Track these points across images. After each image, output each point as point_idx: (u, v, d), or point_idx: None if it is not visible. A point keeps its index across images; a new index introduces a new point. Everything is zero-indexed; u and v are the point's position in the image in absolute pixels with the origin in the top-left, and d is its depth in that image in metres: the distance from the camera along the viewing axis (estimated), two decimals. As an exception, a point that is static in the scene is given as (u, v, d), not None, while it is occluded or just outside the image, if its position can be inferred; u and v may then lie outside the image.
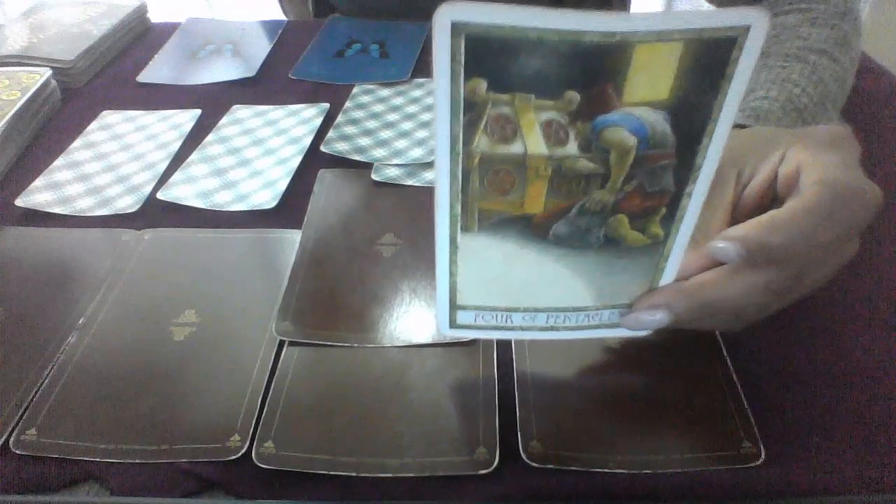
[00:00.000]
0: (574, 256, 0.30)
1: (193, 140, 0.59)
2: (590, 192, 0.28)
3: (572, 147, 0.26)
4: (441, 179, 0.27)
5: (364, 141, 0.58)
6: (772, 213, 0.30)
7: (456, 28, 0.22)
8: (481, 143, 0.26)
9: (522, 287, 0.32)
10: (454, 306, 0.33)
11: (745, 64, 0.24)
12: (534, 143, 0.26)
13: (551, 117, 0.25)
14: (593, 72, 0.24)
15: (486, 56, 0.23)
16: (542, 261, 0.30)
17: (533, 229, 0.29)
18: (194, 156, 0.57)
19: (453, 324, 0.34)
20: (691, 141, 0.27)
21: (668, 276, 0.32)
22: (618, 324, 0.34)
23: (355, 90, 0.67)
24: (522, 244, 0.30)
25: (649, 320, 0.32)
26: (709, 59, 0.24)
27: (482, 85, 0.24)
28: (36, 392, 0.37)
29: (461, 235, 0.29)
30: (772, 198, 0.34)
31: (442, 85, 0.24)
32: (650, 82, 0.25)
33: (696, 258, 0.32)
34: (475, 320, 0.33)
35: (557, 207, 0.29)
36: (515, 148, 0.26)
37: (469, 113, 0.25)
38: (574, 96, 0.25)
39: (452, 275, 0.31)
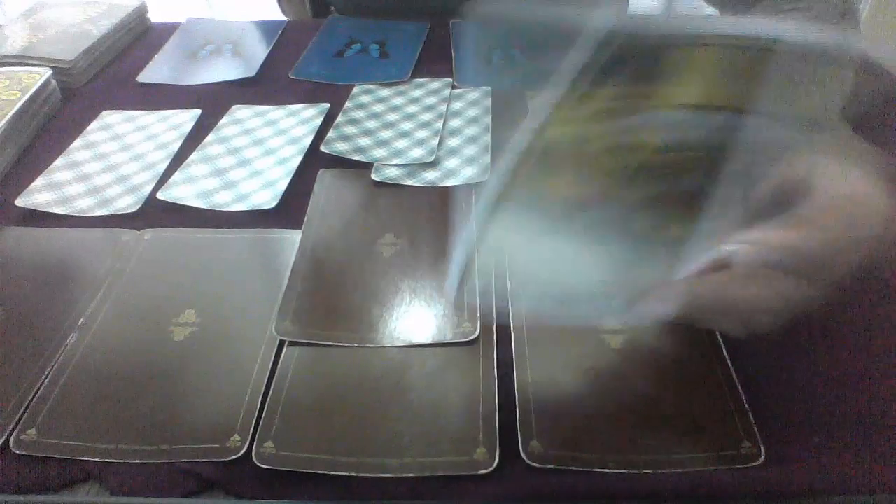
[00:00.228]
0: (595, 246, 0.32)
1: (193, 140, 0.59)
2: (619, 186, 0.29)
3: (609, 139, 0.28)
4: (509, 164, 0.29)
5: (364, 141, 0.58)
6: (783, 217, 0.30)
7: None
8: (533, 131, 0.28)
9: (537, 269, 0.33)
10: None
11: (776, 73, 0.25)
12: (572, 132, 0.28)
13: (593, 109, 0.27)
14: (632, 71, 0.25)
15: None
16: (563, 248, 0.32)
17: (560, 216, 0.30)
18: (194, 156, 0.57)
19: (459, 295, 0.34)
20: (720, 144, 0.27)
21: (683, 272, 0.33)
22: (625, 312, 0.34)
23: (355, 90, 0.67)
24: (545, 230, 0.31)
25: (656, 312, 0.32)
26: (743, 66, 0.25)
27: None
28: (36, 392, 0.37)
29: (494, 207, 0.31)
30: (782, 202, 0.34)
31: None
32: (685, 85, 0.26)
33: (707, 259, 0.32)
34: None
35: (585, 198, 0.30)
36: (555, 134, 0.28)
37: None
38: (613, 93, 0.26)
39: (471, 243, 0.33)
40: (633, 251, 0.32)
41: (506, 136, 0.58)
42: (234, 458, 0.34)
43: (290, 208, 0.51)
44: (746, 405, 0.36)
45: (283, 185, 0.53)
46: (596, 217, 0.30)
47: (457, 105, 0.64)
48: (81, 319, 0.42)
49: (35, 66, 0.67)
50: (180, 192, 0.52)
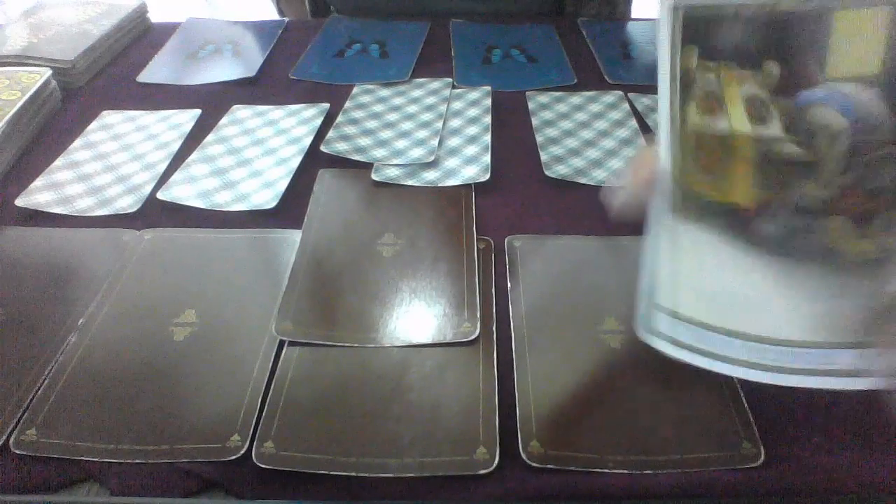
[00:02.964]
0: (785, 267, 0.27)
1: (193, 140, 0.59)
2: (800, 181, 0.25)
3: (776, 127, 0.25)
4: (664, 153, 0.27)
5: (364, 141, 0.58)
6: None
7: (676, 9, 0.25)
8: (692, 115, 0.26)
9: (724, 297, 0.28)
10: (652, 303, 0.30)
11: None
12: (737, 118, 0.26)
13: (754, 92, 0.25)
14: (792, 42, 0.24)
15: (696, 29, 0.25)
16: (749, 268, 0.27)
17: (743, 226, 0.27)
18: (194, 156, 0.57)
19: (648, 327, 0.30)
20: None
21: None
22: (859, 371, 0.27)
23: (355, 90, 0.67)
24: (730, 243, 0.27)
25: None
26: None
27: (694, 52, 0.25)
28: (36, 392, 0.37)
29: (671, 217, 0.28)
30: None
31: (664, 57, 0.26)
32: (856, 54, 0.23)
33: None
34: (671, 331, 0.30)
35: (765, 200, 0.26)
36: (721, 123, 0.26)
37: (683, 82, 0.26)
38: (774, 67, 0.24)
39: (654, 262, 0.29)
40: (833, 272, 0.26)
41: (509, 135, 0.57)
42: (234, 458, 0.34)
43: (290, 208, 0.51)
44: (746, 405, 0.36)
45: (283, 185, 0.53)
46: (782, 225, 0.26)
47: (457, 105, 0.64)
48: (81, 319, 0.42)
49: (35, 66, 0.67)
50: (180, 192, 0.52)
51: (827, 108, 0.24)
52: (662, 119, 0.27)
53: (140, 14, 0.81)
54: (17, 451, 0.34)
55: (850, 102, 0.24)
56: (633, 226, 0.48)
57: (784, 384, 0.28)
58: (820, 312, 0.27)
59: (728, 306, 0.28)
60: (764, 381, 0.29)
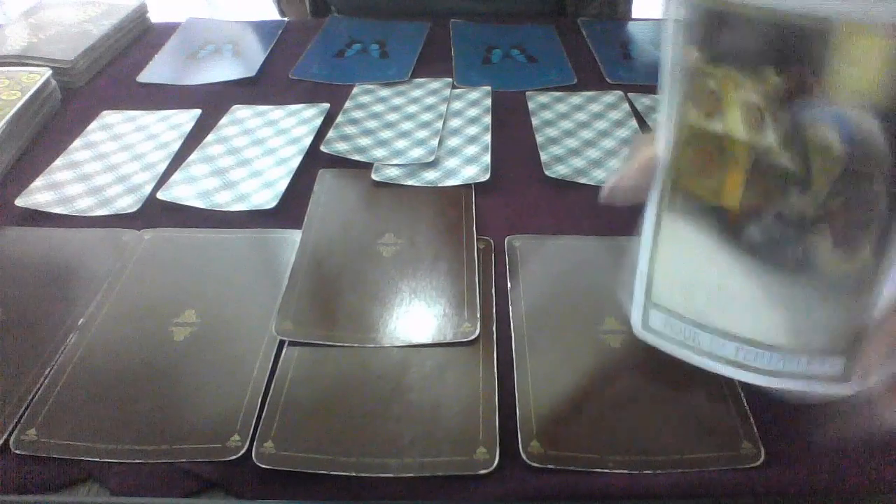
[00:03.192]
0: (768, 275, 0.28)
1: (193, 140, 0.59)
2: (788, 196, 0.26)
3: (771, 136, 0.25)
4: (661, 151, 0.28)
5: (364, 141, 0.58)
6: None
7: (682, 9, 0.25)
8: (690, 113, 0.27)
9: (714, 297, 0.30)
10: (649, 301, 0.32)
11: None
12: (733, 122, 0.26)
13: (755, 100, 0.25)
14: (793, 52, 0.23)
15: (699, 27, 0.25)
16: (736, 270, 0.28)
17: (729, 228, 0.28)
18: (194, 156, 0.57)
19: (646, 325, 0.33)
20: None
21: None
22: (816, 376, 0.29)
23: (355, 90, 0.67)
24: (718, 243, 0.28)
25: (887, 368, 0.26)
26: None
27: (695, 51, 0.26)
28: (36, 392, 0.37)
29: (665, 212, 0.29)
30: None
31: (668, 57, 0.26)
32: (866, 76, 0.23)
33: None
34: (665, 327, 0.32)
35: (753, 206, 0.27)
36: (717, 126, 0.26)
37: (684, 79, 0.26)
38: (779, 77, 0.24)
39: (653, 260, 0.31)
40: (814, 287, 0.27)
41: (509, 135, 0.57)
42: (234, 458, 0.34)
43: (290, 208, 0.51)
44: (746, 405, 0.36)
45: (283, 185, 0.53)
46: (767, 233, 0.27)
47: (457, 105, 0.64)
48: (81, 319, 0.42)
49: (35, 66, 0.67)
50: (180, 192, 0.52)
51: (827, 129, 0.24)
52: (662, 118, 0.28)
53: (140, 14, 0.81)
54: (17, 451, 0.34)
55: (852, 128, 0.23)
56: (633, 226, 0.48)
57: (739, 378, 0.31)
58: (792, 321, 0.29)
59: (706, 300, 0.30)
60: (720, 372, 0.32)
